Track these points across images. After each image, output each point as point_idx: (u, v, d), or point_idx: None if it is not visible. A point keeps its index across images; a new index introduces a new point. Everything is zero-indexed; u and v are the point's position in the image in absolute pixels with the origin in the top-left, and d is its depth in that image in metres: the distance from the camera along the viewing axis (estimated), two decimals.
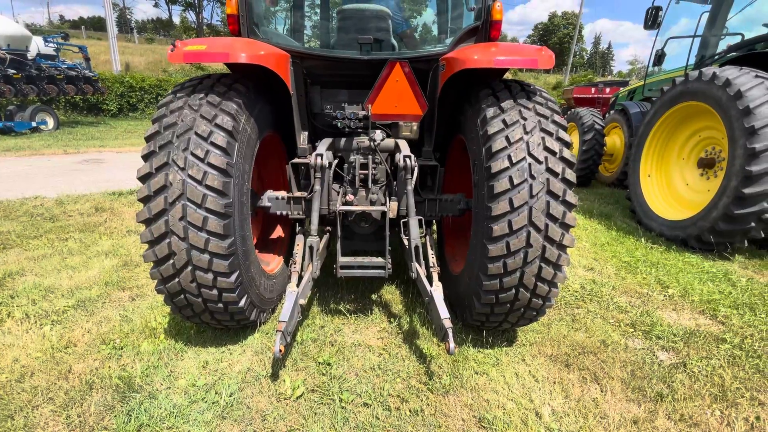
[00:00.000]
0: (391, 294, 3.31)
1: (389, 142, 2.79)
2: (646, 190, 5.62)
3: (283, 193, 2.86)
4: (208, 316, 2.35)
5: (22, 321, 2.87)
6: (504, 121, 2.15)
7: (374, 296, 3.28)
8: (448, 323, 2.08)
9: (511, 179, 2.05)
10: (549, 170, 2.06)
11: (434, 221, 3.21)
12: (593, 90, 13.48)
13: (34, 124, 13.46)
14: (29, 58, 14.17)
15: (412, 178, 2.51)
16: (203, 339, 2.64)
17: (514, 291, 2.20)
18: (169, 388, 2.22)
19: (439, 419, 2.04)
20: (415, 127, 2.86)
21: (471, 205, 2.87)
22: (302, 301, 2.30)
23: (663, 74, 7.10)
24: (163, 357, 2.46)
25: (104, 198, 6.04)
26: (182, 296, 2.21)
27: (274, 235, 3.41)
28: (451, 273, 2.97)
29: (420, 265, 2.48)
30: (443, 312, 2.13)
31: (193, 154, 2.03)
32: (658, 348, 2.74)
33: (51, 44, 15.76)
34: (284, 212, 2.85)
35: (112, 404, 2.09)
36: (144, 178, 2.06)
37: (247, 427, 1.97)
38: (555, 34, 76.80)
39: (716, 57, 5.85)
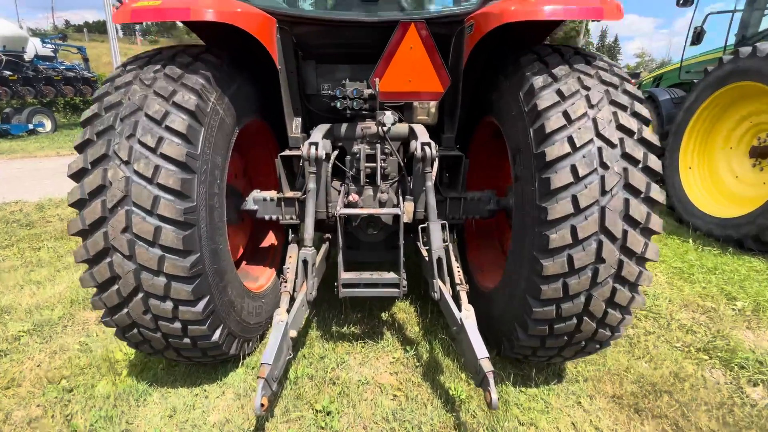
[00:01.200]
0: (406, 312, 2.76)
1: (402, 127, 2.23)
2: (687, 184, 4.99)
3: (272, 194, 2.33)
4: (173, 353, 1.83)
5: None
6: (560, 92, 1.59)
7: (385, 315, 2.73)
8: (487, 365, 1.54)
9: (574, 169, 1.49)
10: (626, 156, 1.51)
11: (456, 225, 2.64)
12: None
13: (30, 126, 13.11)
14: (26, 59, 13.87)
15: (432, 172, 1.96)
16: (173, 376, 2.13)
17: (575, 320, 1.64)
18: None
19: None
20: (433, 109, 2.30)
21: (503, 204, 2.31)
22: (293, 333, 1.77)
23: (701, 55, 6.44)
24: (122, 402, 1.95)
25: None
26: (135, 331, 1.69)
27: (265, 244, 2.88)
28: (478, 288, 2.41)
29: (444, 283, 1.93)
30: (480, 350, 1.58)
31: (141, 143, 1.50)
32: (744, 382, 2.17)
33: (49, 45, 15.46)
34: (273, 217, 2.31)
35: None
36: (77, 176, 1.54)
37: None
38: (561, 29, 75.41)
39: (759, 34, 5.19)
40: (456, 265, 2.09)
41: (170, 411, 1.90)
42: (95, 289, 1.63)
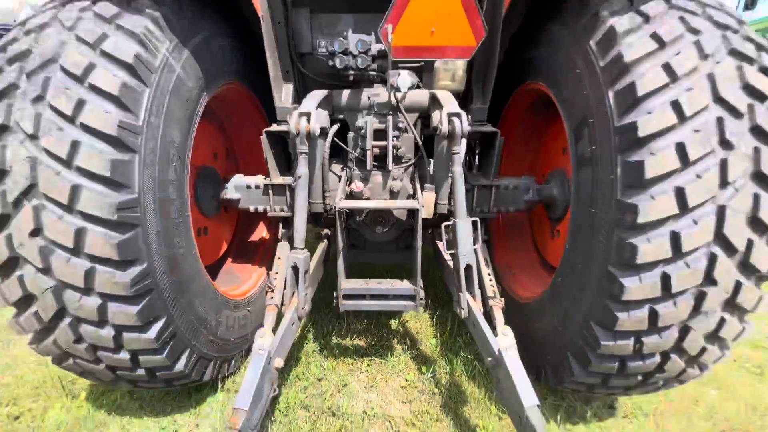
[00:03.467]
0: (420, 321, 2.34)
1: (421, 94, 1.75)
2: None
3: (258, 179, 1.88)
4: (128, 384, 1.43)
5: None
6: (656, 37, 1.10)
7: (395, 324, 2.32)
8: (536, 417, 1.12)
9: (681, 149, 1.01)
10: (757, 131, 1.02)
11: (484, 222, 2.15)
12: None
13: None
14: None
15: (460, 152, 1.49)
16: (138, 402, 1.76)
17: (659, 358, 1.20)
18: None
19: None
20: (461, 71, 1.80)
21: (546, 194, 1.85)
22: (279, 363, 1.36)
23: (754, 23, 5.75)
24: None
25: None
26: (71, 361, 1.29)
27: (255, 238, 2.45)
28: (506, 294, 1.97)
29: (473, 297, 1.50)
30: (527, 396, 1.17)
31: (52, 108, 1.05)
32: None
33: None
34: (260, 208, 1.88)
35: None
36: None
37: None
38: None
39: None
40: (488, 274, 1.65)
41: None
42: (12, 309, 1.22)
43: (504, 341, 1.35)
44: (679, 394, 1.82)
